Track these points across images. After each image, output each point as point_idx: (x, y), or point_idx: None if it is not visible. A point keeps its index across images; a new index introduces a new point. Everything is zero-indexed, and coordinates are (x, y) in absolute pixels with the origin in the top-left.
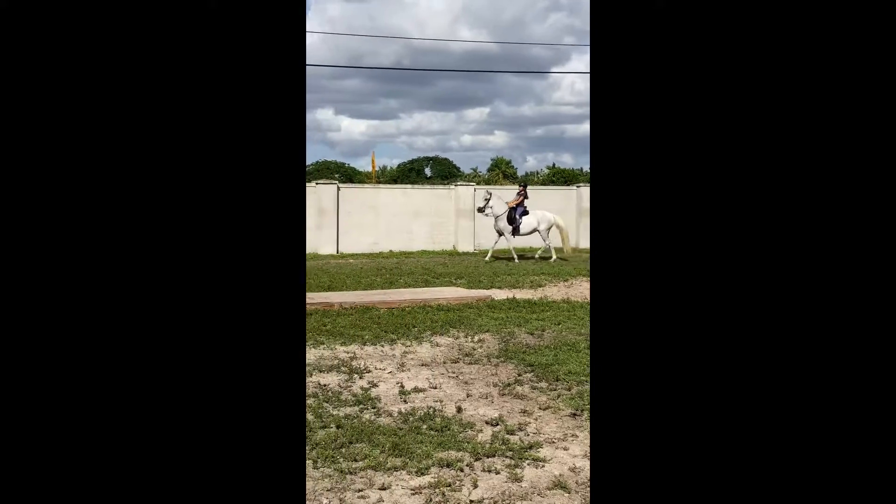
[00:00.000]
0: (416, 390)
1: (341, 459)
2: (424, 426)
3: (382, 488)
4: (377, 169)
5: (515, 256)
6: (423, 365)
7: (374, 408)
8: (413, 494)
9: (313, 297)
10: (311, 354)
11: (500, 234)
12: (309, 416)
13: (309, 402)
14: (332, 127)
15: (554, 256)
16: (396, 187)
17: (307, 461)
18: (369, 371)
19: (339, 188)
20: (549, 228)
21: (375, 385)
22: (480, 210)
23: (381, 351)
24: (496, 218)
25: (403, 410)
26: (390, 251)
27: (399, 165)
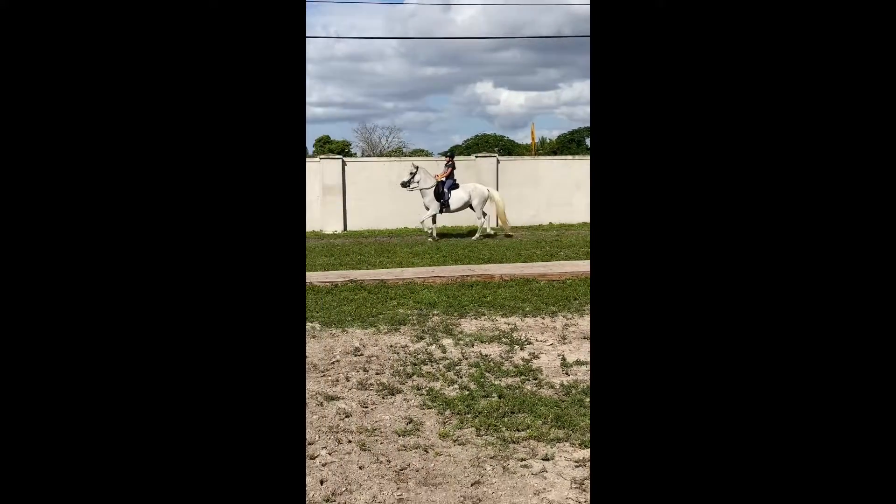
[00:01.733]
0: (578, 363)
1: (504, 428)
2: (587, 399)
3: (546, 458)
4: (536, 141)
5: (435, 235)
6: (584, 338)
7: (535, 379)
8: (577, 467)
9: (474, 269)
10: (473, 325)
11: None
12: (471, 385)
13: (471, 371)
14: (490, 100)
15: (478, 235)
16: (556, 159)
17: (471, 428)
18: (530, 343)
19: (498, 161)
20: (482, 203)
21: (536, 357)
22: (404, 185)
23: (542, 323)
24: (423, 193)
25: (566, 383)
26: (550, 223)
27: (559, 137)
